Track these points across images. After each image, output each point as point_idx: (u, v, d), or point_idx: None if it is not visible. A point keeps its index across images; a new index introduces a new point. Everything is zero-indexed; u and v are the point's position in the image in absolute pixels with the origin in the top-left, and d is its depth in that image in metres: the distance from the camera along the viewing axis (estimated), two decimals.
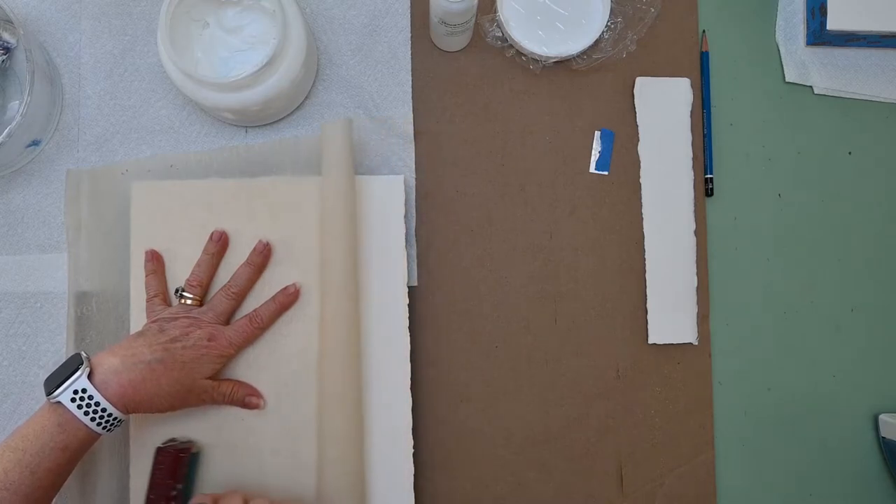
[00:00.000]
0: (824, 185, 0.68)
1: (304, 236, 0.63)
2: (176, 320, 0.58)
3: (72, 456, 0.51)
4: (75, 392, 0.50)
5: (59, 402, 0.50)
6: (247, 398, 0.61)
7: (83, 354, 0.52)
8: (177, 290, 0.61)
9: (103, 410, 0.51)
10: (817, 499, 0.70)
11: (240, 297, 0.61)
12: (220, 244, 0.62)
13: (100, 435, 0.52)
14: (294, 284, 0.62)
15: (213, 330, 0.58)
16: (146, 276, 0.62)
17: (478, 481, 0.67)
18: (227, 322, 0.61)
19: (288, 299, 0.62)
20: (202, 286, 0.61)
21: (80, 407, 0.50)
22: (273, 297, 0.62)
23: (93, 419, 0.50)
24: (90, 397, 0.50)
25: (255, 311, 0.61)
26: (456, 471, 0.67)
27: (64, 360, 0.64)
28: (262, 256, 0.62)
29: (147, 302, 0.61)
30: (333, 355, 0.61)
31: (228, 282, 0.61)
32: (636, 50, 0.69)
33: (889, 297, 0.72)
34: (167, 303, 0.61)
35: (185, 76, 0.59)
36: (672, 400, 0.69)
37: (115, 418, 0.52)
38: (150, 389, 0.53)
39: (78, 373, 0.50)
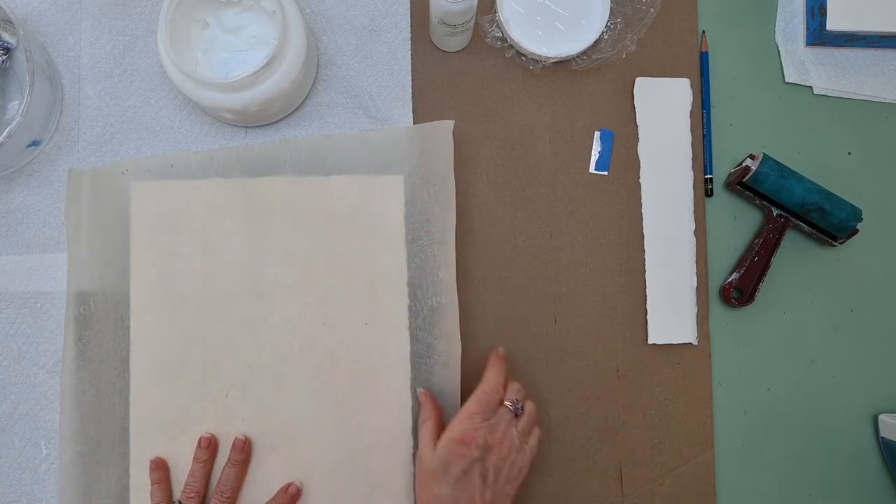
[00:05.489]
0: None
1: (306, 236, 0.63)
2: None
3: None
4: None
5: None
6: None
7: None
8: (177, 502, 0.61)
9: None
10: (817, 499, 0.70)
11: (233, 499, 0.60)
12: (209, 451, 0.61)
13: None
14: (293, 484, 0.61)
15: None
16: (151, 485, 0.61)
17: None
18: None
19: (287, 498, 0.61)
20: (199, 496, 0.60)
21: None
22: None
23: None
24: None
25: (218, 482, 0.60)
26: None
27: (62, 359, 0.64)
28: (244, 454, 0.61)
29: None
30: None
31: (218, 485, 0.60)
32: (636, 50, 0.69)
33: (889, 297, 0.72)
34: None
35: (185, 76, 0.59)
36: (672, 400, 0.69)
37: None
38: None
39: None
